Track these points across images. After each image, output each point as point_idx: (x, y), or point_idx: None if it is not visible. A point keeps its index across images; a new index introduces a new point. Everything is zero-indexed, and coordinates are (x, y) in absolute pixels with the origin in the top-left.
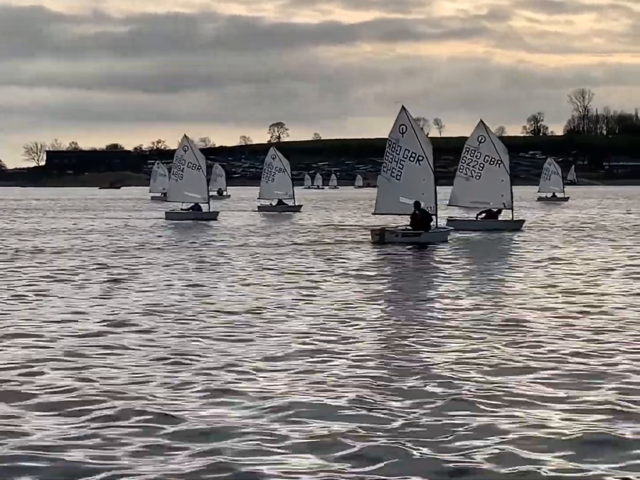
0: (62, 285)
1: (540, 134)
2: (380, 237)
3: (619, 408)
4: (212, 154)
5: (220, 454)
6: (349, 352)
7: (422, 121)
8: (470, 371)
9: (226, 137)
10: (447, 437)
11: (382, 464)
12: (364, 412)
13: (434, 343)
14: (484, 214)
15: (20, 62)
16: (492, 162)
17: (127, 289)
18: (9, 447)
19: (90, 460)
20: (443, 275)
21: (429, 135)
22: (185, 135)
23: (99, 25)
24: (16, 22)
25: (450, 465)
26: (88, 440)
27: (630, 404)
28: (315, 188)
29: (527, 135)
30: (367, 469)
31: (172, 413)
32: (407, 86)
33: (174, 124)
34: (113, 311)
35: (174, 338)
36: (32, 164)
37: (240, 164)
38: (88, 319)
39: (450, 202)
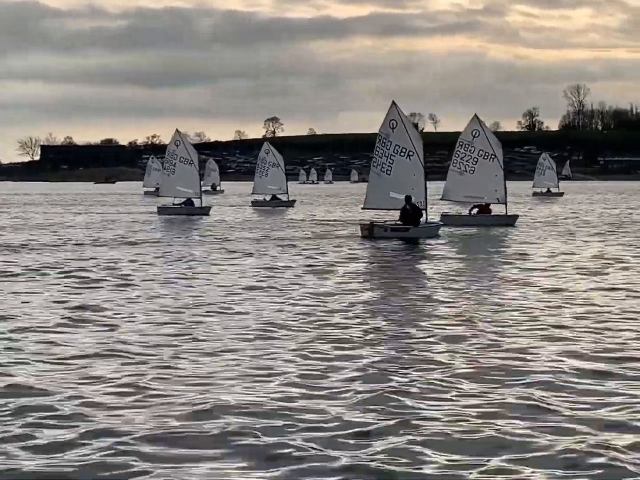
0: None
1: (536, 129)
2: (370, 231)
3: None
4: (207, 148)
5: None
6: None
7: (418, 116)
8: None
9: (221, 132)
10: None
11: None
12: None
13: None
14: (476, 209)
15: (15, 56)
16: (485, 157)
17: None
18: None
19: None
20: (428, 270)
21: (424, 130)
22: (177, 130)
23: (95, 20)
24: (11, 17)
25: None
26: None
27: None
28: (310, 183)
29: (522, 130)
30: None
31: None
32: (403, 81)
33: (169, 119)
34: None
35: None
36: (27, 159)
37: (234, 159)
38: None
39: (443, 196)
